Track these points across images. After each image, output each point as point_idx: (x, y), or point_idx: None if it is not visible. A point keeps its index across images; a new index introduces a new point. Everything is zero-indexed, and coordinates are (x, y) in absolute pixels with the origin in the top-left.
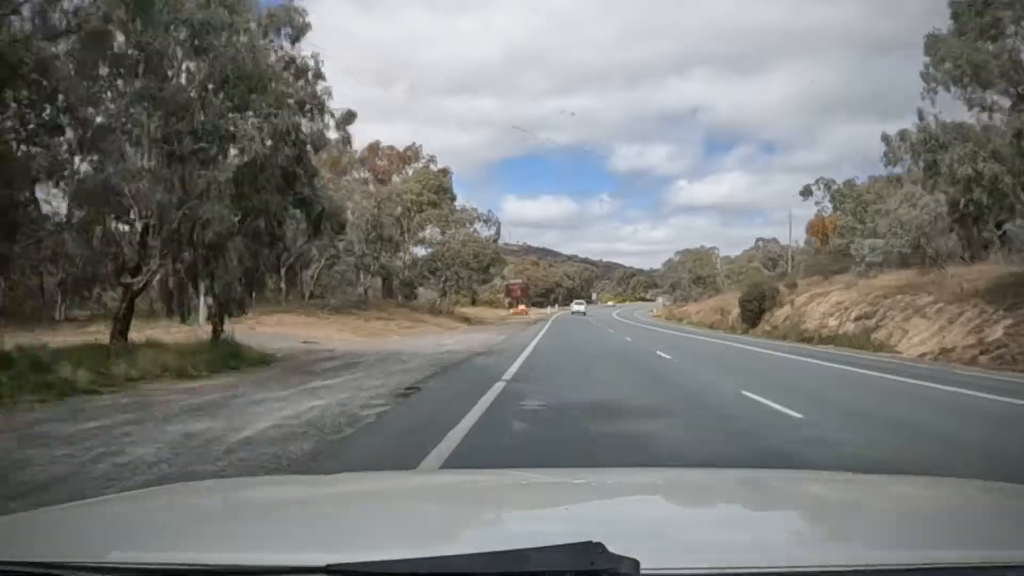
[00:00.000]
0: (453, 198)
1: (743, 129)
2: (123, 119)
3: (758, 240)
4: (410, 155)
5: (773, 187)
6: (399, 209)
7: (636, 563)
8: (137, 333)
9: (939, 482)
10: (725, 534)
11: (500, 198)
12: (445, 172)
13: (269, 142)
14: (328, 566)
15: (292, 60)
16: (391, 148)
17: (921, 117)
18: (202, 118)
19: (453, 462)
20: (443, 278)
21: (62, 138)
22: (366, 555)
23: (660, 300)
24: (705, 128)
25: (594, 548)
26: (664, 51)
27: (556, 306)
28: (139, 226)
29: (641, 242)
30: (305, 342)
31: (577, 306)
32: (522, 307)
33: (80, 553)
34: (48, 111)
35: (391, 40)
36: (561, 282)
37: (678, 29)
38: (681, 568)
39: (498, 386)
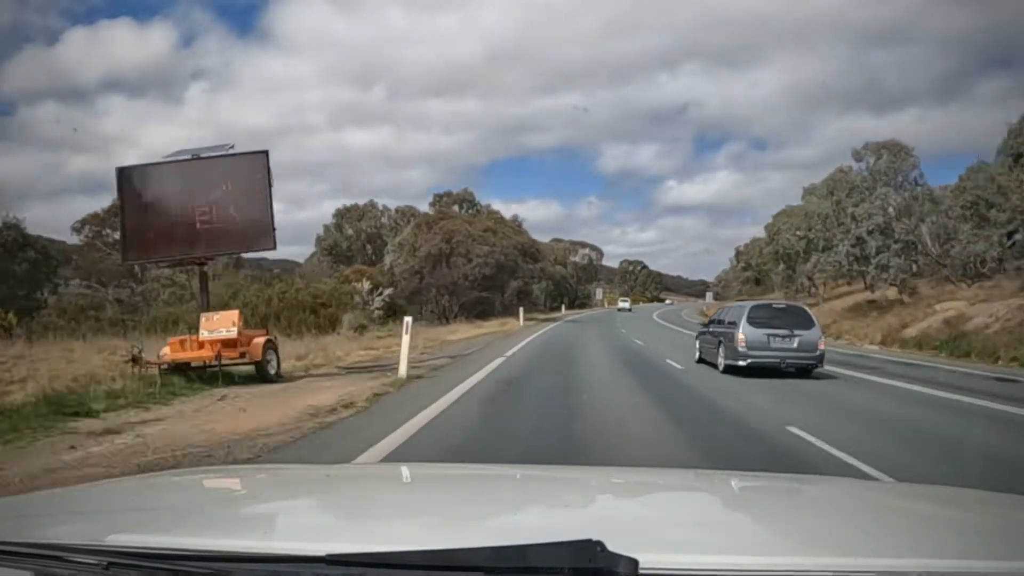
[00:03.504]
0: None
1: (733, 126)
2: None
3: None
4: None
5: (764, 185)
6: None
7: (635, 562)
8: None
9: (940, 491)
10: (725, 535)
11: (487, 203)
12: None
13: None
14: (328, 556)
15: None
16: None
17: None
18: None
19: None
20: None
21: None
22: (366, 546)
23: (709, 296)
24: (695, 125)
25: (593, 546)
26: (653, 46)
27: (520, 317)
28: None
29: (629, 244)
30: None
31: (623, 303)
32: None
33: (79, 536)
34: None
35: (371, 41)
36: (541, 260)
37: (667, 22)
38: (680, 568)
39: None
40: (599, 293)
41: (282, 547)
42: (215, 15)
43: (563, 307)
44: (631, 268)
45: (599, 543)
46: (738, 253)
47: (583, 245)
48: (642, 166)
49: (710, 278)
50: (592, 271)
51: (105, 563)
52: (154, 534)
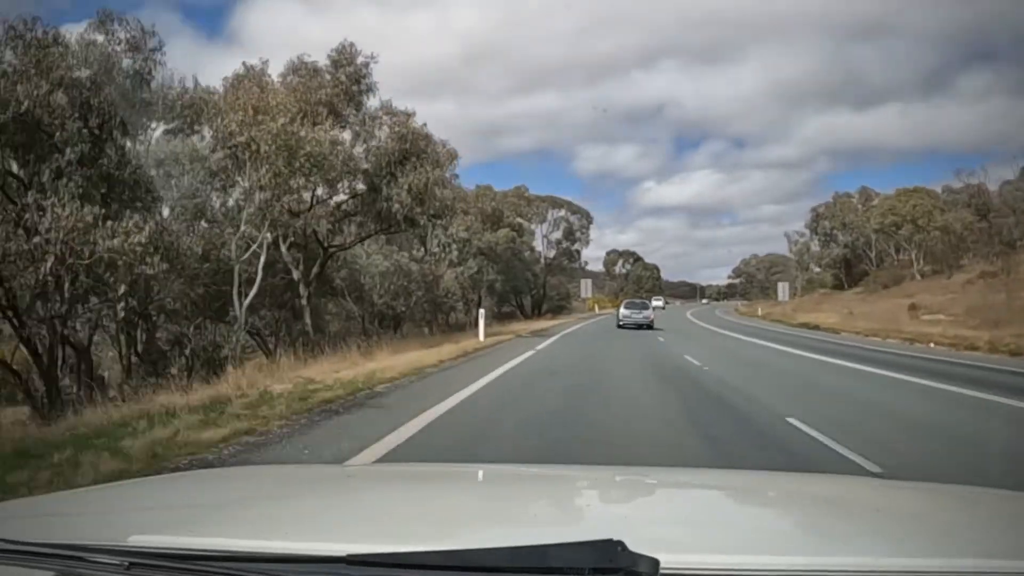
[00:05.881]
0: None
1: (712, 124)
2: None
3: None
4: None
5: (744, 184)
6: None
7: (656, 562)
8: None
9: (962, 490)
10: (746, 535)
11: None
12: None
13: None
14: (349, 556)
15: None
16: None
17: None
18: None
19: None
20: None
21: None
22: (386, 546)
23: (783, 289)
24: (673, 125)
25: (614, 546)
26: (630, 44)
27: None
28: None
29: (608, 247)
30: None
31: (656, 301)
32: None
33: (100, 536)
34: None
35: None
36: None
37: (644, 19)
38: (701, 568)
39: None
40: (586, 288)
41: (302, 547)
42: (183, 17)
43: (496, 316)
44: (620, 265)
45: (620, 543)
46: (817, 216)
47: (557, 204)
48: (620, 167)
49: (691, 279)
50: (572, 252)
51: (127, 563)
52: (175, 534)
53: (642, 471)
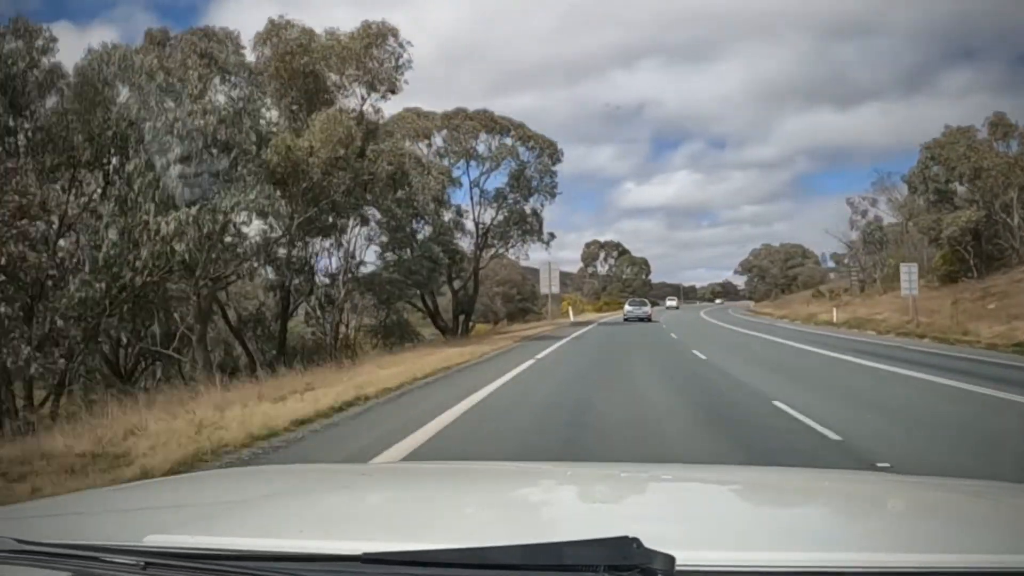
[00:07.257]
0: None
1: (692, 125)
2: None
3: None
4: None
5: (724, 185)
6: None
7: (671, 558)
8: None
9: (978, 485)
10: (760, 531)
11: (438, 209)
12: None
13: None
14: (364, 554)
15: None
16: None
17: None
18: None
19: None
20: None
21: None
22: (401, 544)
23: (909, 275)
24: (652, 125)
25: (629, 543)
26: (610, 42)
27: None
28: None
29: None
30: None
31: (671, 301)
32: None
33: (116, 536)
34: None
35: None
36: None
37: (624, 18)
38: (717, 564)
39: None
40: (550, 277)
41: (318, 546)
42: (157, 17)
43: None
44: (602, 260)
45: (635, 540)
46: (927, 160)
47: (495, 126)
48: (599, 168)
49: (672, 281)
50: (525, 216)
51: (142, 563)
52: (190, 534)
53: (654, 468)
